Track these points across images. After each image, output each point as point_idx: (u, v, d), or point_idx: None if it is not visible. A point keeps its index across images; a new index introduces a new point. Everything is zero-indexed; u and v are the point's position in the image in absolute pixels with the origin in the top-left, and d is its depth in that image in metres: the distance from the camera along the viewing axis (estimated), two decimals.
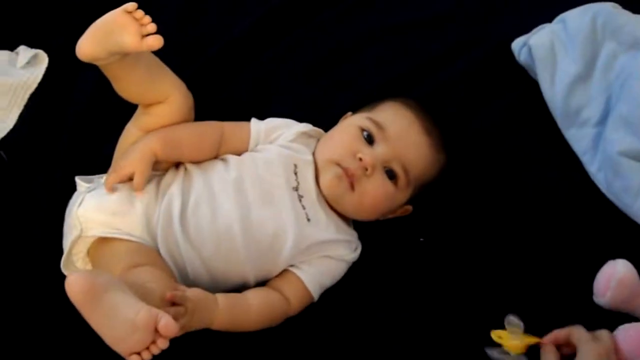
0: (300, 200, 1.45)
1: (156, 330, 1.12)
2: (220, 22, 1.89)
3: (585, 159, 1.64)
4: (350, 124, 1.50)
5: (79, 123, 1.70)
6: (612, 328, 1.36)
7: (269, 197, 1.43)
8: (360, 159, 1.44)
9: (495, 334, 1.37)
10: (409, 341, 1.42)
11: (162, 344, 1.14)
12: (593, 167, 1.62)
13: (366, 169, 1.44)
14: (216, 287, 1.40)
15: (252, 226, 1.41)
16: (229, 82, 1.78)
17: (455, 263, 1.52)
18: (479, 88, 1.77)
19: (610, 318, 1.40)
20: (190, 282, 1.40)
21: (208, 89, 1.75)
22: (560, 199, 1.62)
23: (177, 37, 1.79)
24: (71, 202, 1.45)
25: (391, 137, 1.47)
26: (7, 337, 1.38)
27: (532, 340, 1.35)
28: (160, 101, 1.46)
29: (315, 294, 1.46)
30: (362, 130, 1.47)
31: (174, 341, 1.17)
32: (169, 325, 1.12)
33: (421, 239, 1.55)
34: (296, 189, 1.45)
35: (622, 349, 1.32)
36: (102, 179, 1.46)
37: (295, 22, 1.88)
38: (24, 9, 1.85)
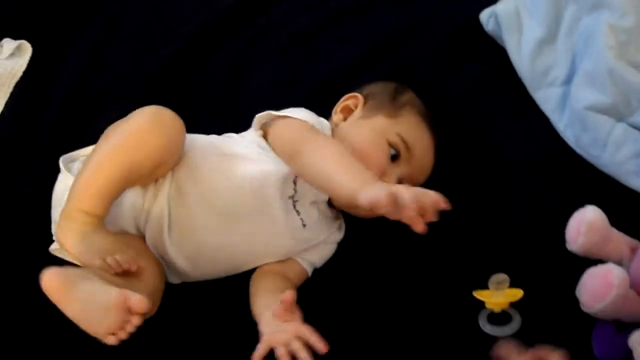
0: (294, 207, 1.42)
1: (129, 310, 1.17)
2: (196, 4, 1.90)
3: (554, 117, 1.64)
4: (380, 136, 1.46)
5: (63, 109, 1.70)
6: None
7: (262, 209, 1.40)
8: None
9: (478, 294, 1.35)
10: (400, 319, 1.42)
11: (136, 321, 1.18)
12: (561, 124, 1.62)
13: None
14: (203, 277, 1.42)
15: (242, 240, 1.41)
16: (206, 62, 1.80)
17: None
18: (450, 58, 1.77)
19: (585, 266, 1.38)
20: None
21: (186, 69, 1.78)
22: (532, 157, 1.62)
23: (155, 19, 1.84)
24: (58, 187, 1.42)
25: (414, 159, 1.47)
26: None
27: (516, 293, 1.34)
28: None
29: (310, 273, 1.47)
30: (391, 146, 1.45)
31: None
32: (139, 302, 1.17)
33: None
34: (292, 197, 1.42)
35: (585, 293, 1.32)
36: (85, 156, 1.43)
37: (269, 4, 1.89)
38: (6, 2, 1.87)
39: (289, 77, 1.75)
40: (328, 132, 1.47)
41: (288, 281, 1.43)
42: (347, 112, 1.52)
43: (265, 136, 1.44)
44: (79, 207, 1.28)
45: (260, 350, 1.23)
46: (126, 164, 1.29)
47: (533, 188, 1.57)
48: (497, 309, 1.35)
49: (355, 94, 1.52)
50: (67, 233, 1.29)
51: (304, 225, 1.43)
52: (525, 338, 1.33)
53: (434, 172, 1.54)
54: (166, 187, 1.37)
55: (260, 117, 1.46)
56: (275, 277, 1.42)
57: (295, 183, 1.41)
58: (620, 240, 1.41)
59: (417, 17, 1.85)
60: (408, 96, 1.53)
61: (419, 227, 1.14)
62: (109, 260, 1.25)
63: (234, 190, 1.38)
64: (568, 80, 1.64)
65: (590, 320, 1.35)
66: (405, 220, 1.15)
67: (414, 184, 1.45)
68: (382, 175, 1.42)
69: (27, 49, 1.78)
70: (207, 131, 1.62)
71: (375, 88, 1.55)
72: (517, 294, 1.34)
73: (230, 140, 1.47)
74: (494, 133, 1.65)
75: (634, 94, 1.57)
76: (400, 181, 1.45)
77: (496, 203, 1.56)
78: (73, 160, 1.45)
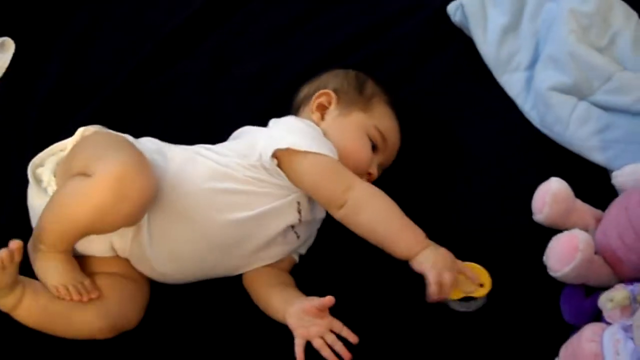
0: (293, 229, 1.44)
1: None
2: (176, 1, 1.95)
3: (519, 100, 1.69)
4: (362, 133, 1.51)
5: (46, 105, 1.74)
6: None
7: (259, 241, 1.42)
8: (369, 174, 1.50)
9: None
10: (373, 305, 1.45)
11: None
12: (527, 106, 1.67)
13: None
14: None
15: (234, 261, 1.44)
16: (189, 54, 1.84)
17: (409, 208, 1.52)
18: (419, 49, 1.82)
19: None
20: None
21: (167, 63, 1.82)
22: (500, 139, 1.67)
23: (137, 14, 1.89)
24: (31, 200, 1.43)
25: (388, 147, 1.53)
26: None
27: (484, 280, 1.37)
28: None
29: (297, 259, 1.51)
30: (370, 139, 1.50)
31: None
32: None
33: None
34: (294, 225, 1.44)
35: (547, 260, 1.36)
36: (53, 155, 1.43)
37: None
38: None
39: (269, 67, 1.80)
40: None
41: (283, 272, 1.47)
42: (322, 109, 1.54)
43: (279, 164, 1.41)
44: (43, 242, 1.31)
45: (299, 345, 1.30)
46: (87, 229, 1.31)
47: (500, 168, 1.61)
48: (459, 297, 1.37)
49: (327, 90, 1.54)
50: (34, 261, 1.33)
51: (298, 237, 1.47)
52: (497, 307, 1.38)
53: (403, 158, 1.59)
54: (144, 231, 1.36)
55: (274, 149, 1.41)
56: (270, 270, 1.45)
57: (300, 212, 1.43)
58: (584, 211, 1.45)
59: (387, 10, 1.91)
60: (371, 85, 1.57)
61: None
62: (61, 289, 1.32)
63: (229, 232, 1.39)
64: (532, 65, 1.70)
65: (559, 287, 1.38)
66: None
67: (386, 166, 1.54)
68: (368, 168, 1.48)
69: (10, 45, 1.81)
70: (189, 125, 1.69)
71: (338, 80, 1.58)
72: (485, 282, 1.37)
73: (228, 165, 1.42)
74: (461, 118, 1.70)
75: (595, 75, 1.62)
76: (378, 168, 1.52)
77: (464, 183, 1.60)
78: (42, 165, 1.43)
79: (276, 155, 1.39)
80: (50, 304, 1.32)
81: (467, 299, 1.36)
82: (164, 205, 1.35)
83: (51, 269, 1.32)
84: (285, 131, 1.46)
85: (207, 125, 1.69)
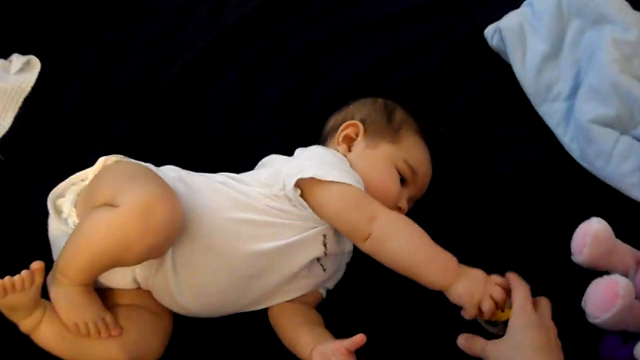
0: (319, 261, 1.40)
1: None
2: (207, 20, 1.91)
3: (558, 131, 1.63)
4: (390, 166, 1.45)
5: (71, 123, 1.70)
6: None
7: (282, 274, 1.38)
8: (399, 208, 1.44)
9: None
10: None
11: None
12: (566, 138, 1.61)
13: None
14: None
15: (257, 294, 1.39)
16: (214, 79, 1.79)
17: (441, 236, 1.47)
18: (455, 73, 1.76)
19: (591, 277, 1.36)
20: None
21: (195, 83, 1.77)
22: (537, 171, 1.61)
23: (163, 35, 1.85)
24: (51, 231, 1.39)
25: (418, 180, 1.47)
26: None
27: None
28: None
29: (325, 295, 1.47)
30: (399, 172, 1.44)
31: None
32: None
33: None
34: (319, 258, 1.39)
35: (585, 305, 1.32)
36: (74, 185, 1.40)
37: (277, 19, 1.90)
38: (15, 18, 1.86)
39: (294, 96, 1.74)
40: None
41: (311, 308, 1.43)
42: (349, 141, 1.49)
43: (302, 194, 1.37)
44: (64, 274, 1.27)
45: None
46: (111, 262, 1.26)
47: (538, 202, 1.56)
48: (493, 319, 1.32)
49: (355, 121, 1.49)
50: (54, 295, 1.29)
51: (324, 270, 1.42)
52: None
53: (438, 188, 1.54)
54: (168, 262, 1.32)
55: (297, 179, 1.36)
56: (297, 306, 1.41)
57: (325, 245, 1.38)
58: (625, 252, 1.40)
59: (418, 33, 1.84)
60: (400, 114, 1.52)
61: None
62: (81, 326, 1.29)
63: (252, 263, 1.34)
64: (572, 95, 1.64)
65: (598, 333, 1.34)
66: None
67: (417, 198, 1.49)
68: (397, 202, 1.43)
69: (36, 64, 1.78)
70: (213, 150, 1.64)
71: (365, 110, 1.52)
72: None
73: (249, 195, 1.38)
74: (497, 148, 1.64)
75: (638, 107, 1.56)
76: (408, 201, 1.46)
77: (499, 218, 1.55)
78: (62, 195, 1.40)
79: (299, 185, 1.35)
80: (68, 332, 1.29)
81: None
82: (187, 235, 1.31)
83: (71, 303, 1.28)
84: (310, 160, 1.42)
85: (231, 153, 1.64)
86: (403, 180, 1.46)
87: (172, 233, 1.25)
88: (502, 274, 1.33)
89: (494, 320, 1.31)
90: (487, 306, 1.26)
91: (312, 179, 1.35)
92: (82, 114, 1.71)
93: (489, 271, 1.33)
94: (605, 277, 1.31)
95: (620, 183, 1.52)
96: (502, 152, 1.63)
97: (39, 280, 1.25)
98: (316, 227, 1.37)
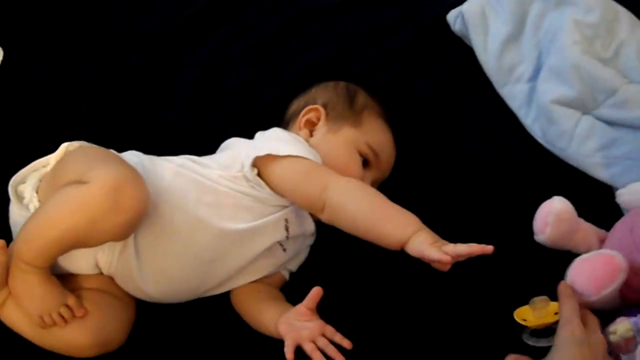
0: (281, 245, 1.39)
1: None
2: (173, 5, 1.89)
3: (521, 113, 1.61)
4: (352, 149, 1.43)
5: (34, 110, 1.69)
6: (557, 267, 1.30)
7: (245, 256, 1.36)
8: None
9: (519, 316, 1.28)
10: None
11: None
12: (529, 120, 1.60)
13: None
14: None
15: (220, 276, 1.37)
16: (179, 64, 1.78)
17: None
18: (418, 58, 1.75)
19: (554, 258, 1.36)
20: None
21: (159, 69, 1.75)
22: (500, 153, 1.60)
23: (127, 20, 1.83)
24: (12, 217, 1.36)
25: (381, 162, 1.46)
26: None
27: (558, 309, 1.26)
28: None
29: (287, 277, 1.45)
30: (362, 155, 1.43)
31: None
32: None
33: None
34: (281, 242, 1.38)
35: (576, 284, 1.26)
36: (35, 171, 1.37)
37: (243, 5, 1.89)
38: None
39: (258, 81, 1.72)
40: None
41: (273, 288, 1.41)
42: (310, 125, 1.47)
43: (259, 173, 1.36)
44: (19, 257, 1.23)
45: (289, 346, 1.25)
46: (75, 240, 1.22)
47: (501, 183, 1.54)
48: (541, 328, 1.28)
49: (316, 106, 1.47)
50: (14, 288, 1.26)
51: (285, 251, 1.40)
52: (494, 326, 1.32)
53: (400, 172, 1.52)
54: (131, 246, 1.30)
55: (253, 157, 1.35)
56: (259, 286, 1.40)
57: (287, 229, 1.37)
58: (588, 231, 1.38)
59: (383, 19, 1.83)
60: (362, 97, 1.50)
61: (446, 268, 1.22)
62: (46, 318, 1.25)
63: (215, 246, 1.33)
64: (534, 77, 1.63)
65: None
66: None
67: (381, 181, 1.47)
68: None
69: None
70: (177, 135, 1.62)
71: (327, 94, 1.51)
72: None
73: (210, 177, 1.36)
74: (460, 130, 1.63)
75: (599, 88, 1.55)
76: (372, 184, 1.44)
77: (462, 199, 1.53)
78: (23, 182, 1.37)
79: (256, 164, 1.34)
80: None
81: (542, 333, 1.27)
82: (150, 220, 1.29)
83: (31, 294, 1.25)
84: (266, 140, 1.41)
85: (195, 139, 1.62)
86: (366, 163, 1.44)
87: (139, 214, 1.23)
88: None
89: (537, 327, 1.27)
90: (450, 249, 1.20)
91: (268, 155, 1.34)
92: (46, 101, 1.70)
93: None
94: (595, 253, 1.27)
95: (582, 163, 1.51)
96: (465, 135, 1.62)
97: (2, 258, 1.23)
98: (277, 211, 1.36)
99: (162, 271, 1.32)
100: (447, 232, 1.37)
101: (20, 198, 1.34)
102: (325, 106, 1.48)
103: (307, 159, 1.35)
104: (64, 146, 1.37)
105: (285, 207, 1.37)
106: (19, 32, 1.81)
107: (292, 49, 1.78)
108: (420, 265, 1.30)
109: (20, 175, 1.37)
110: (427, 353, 1.34)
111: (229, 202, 1.34)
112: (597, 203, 1.45)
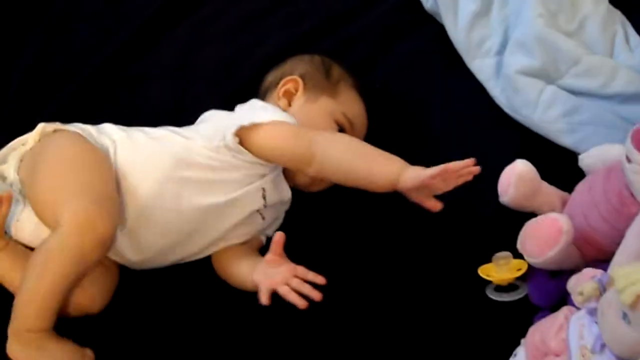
0: (259, 212, 1.43)
1: None
2: None
3: (489, 85, 1.66)
4: (330, 119, 1.50)
5: (22, 89, 1.75)
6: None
7: (224, 226, 1.42)
8: None
9: (483, 272, 1.34)
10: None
11: None
12: (496, 91, 1.65)
13: None
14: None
15: (200, 245, 1.43)
16: (160, 42, 1.83)
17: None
18: (390, 35, 1.81)
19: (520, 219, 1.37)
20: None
21: (142, 49, 1.81)
22: (469, 122, 1.65)
23: (109, 4, 1.89)
24: None
25: (355, 131, 1.52)
26: None
27: (521, 265, 1.32)
28: None
29: (264, 241, 1.50)
30: (338, 124, 1.49)
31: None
32: None
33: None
34: (259, 210, 1.43)
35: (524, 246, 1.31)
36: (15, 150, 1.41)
37: None
38: None
39: (236, 57, 1.78)
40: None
41: (251, 248, 1.46)
42: (289, 95, 1.53)
43: (241, 142, 1.39)
44: (25, 328, 1.23)
45: (264, 292, 1.29)
46: (69, 284, 1.26)
47: (466, 150, 1.51)
48: (504, 284, 1.34)
49: (294, 77, 1.53)
50: (19, 354, 1.23)
51: (263, 219, 1.46)
52: (464, 288, 1.37)
53: (369, 141, 1.53)
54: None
55: (236, 127, 1.39)
56: (238, 247, 1.44)
57: (264, 198, 1.42)
58: (551, 193, 1.42)
59: None
60: (337, 70, 1.56)
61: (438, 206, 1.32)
62: None
63: (195, 218, 1.38)
64: (501, 51, 1.68)
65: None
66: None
67: None
68: None
69: None
70: (157, 110, 1.67)
71: (304, 66, 1.57)
72: (522, 267, 1.32)
73: (191, 148, 1.40)
74: (429, 102, 1.68)
75: (562, 58, 1.61)
76: None
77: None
78: (5, 162, 1.41)
79: (239, 134, 1.37)
80: (19, 272, 1.29)
81: (506, 289, 1.33)
82: (130, 197, 1.35)
83: (48, 355, 1.24)
84: (248, 110, 1.46)
85: (176, 111, 1.68)
86: (342, 131, 1.50)
87: (116, 227, 1.29)
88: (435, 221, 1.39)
89: (500, 282, 1.33)
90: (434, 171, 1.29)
91: (251, 125, 1.38)
92: (32, 80, 1.75)
93: (423, 220, 1.40)
94: (543, 217, 1.31)
95: (546, 130, 1.56)
96: (434, 107, 1.68)
97: (4, 209, 1.28)
98: (255, 182, 1.41)
99: (144, 241, 1.37)
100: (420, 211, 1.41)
101: (3, 178, 1.39)
102: (302, 77, 1.54)
103: (286, 122, 1.41)
104: (40, 127, 1.41)
105: (264, 175, 1.42)
106: (7, 14, 1.88)
107: (267, 28, 1.84)
108: (392, 225, 1.36)
109: (1, 155, 1.41)
110: (397, 304, 1.40)
111: (208, 176, 1.39)
112: (562, 168, 1.49)
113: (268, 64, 1.66)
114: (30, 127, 1.47)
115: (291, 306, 1.28)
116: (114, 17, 1.87)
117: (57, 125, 1.42)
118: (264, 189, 1.42)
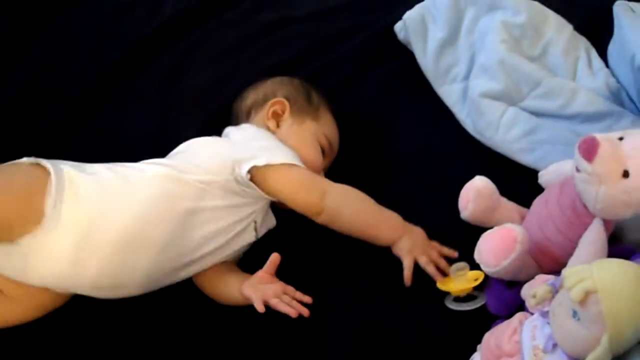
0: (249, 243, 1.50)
1: None
2: (142, 15, 2.04)
3: (455, 109, 1.72)
4: (315, 141, 1.57)
5: (13, 105, 1.85)
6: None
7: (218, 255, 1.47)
8: None
9: (441, 284, 1.39)
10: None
11: None
12: (462, 115, 1.71)
13: None
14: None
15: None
16: (147, 66, 1.93)
17: None
18: (364, 63, 1.88)
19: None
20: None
21: (129, 69, 1.90)
22: (436, 145, 1.71)
23: (106, 26, 2.00)
24: None
25: (332, 151, 1.61)
26: None
27: (478, 275, 1.36)
28: None
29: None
30: (320, 145, 1.57)
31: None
32: None
33: None
34: (250, 243, 1.50)
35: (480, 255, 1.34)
36: None
37: (210, 15, 2.05)
38: None
39: (224, 78, 1.86)
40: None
41: (232, 263, 1.51)
42: (277, 117, 1.59)
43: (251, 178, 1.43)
44: None
45: (258, 301, 1.36)
46: None
47: (432, 171, 1.65)
48: (462, 295, 1.38)
49: (281, 99, 1.60)
50: None
51: (249, 245, 1.52)
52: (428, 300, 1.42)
53: (339, 163, 1.65)
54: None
55: (251, 166, 1.43)
56: (221, 265, 1.48)
57: (256, 230, 1.49)
58: (509, 208, 1.46)
59: (335, 29, 1.97)
60: (315, 94, 1.64)
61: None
62: None
63: (184, 256, 1.43)
64: (467, 76, 1.74)
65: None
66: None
67: (327, 169, 1.59)
68: (319, 173, 1.53)
69: None
70: (145, 125, 1.76)
71: (286, 89, 1.64)
72: (479, 277, 1.36)
73: (193, 184, 1.43)
74: (396, 125, 1.74)
75: (524, 81, 1.67)
76: (325, 169, 1.58)
77: (397, 185, 1.64)
78: None
79: (251, 171, 1.42)
80: None
81: (464, 299, 1.38)
82: (117, 235, 1.36)
83: None
84: (252, 141, 1.52)
85: (157, 136, 1.76)
86: (322, 153, 1.57)
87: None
88: None
89: (458, 293, 1.38)
90: (422, 261, 1.39)
91: (266, 166, 1.43)
92: (23, 98, 1.86)
93: None
94: (498, 227, 1.34)
95: (508, 149, 1.61)
96: (401, 130, 1.74)
97: None
98: (248, 218, 1.47)
99: (120, 276, 1.40)
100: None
101: None
102: (287, 99, 1.61)
103: (300, 166, 1.46)
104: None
105: (255, 207, 1.48)
106: (7, 31, 1.99)
107: (251, 55, 1.93)
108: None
109: None
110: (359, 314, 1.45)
111: (207, 231, 1.43)
112: (523, 186, 1.53)
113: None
114: (19, 145, 1.61)
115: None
116: (107, 41, 1.98)
117: (32, 160, 1.41)
118: (255, 222, 1.48)
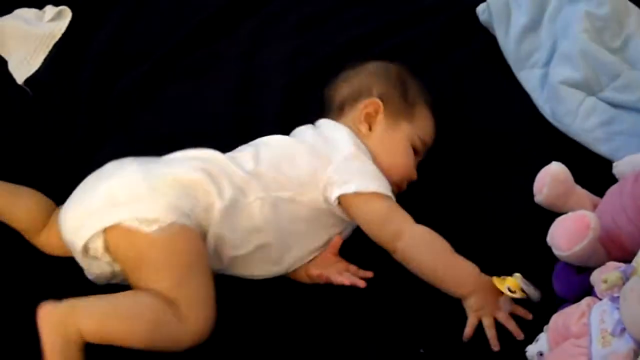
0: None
1: None
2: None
3: (534, 95, 1.75)
4: (408, 145, 1.55)
5: (97, 67, 1.86)
6: None
7: None
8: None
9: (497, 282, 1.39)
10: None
11: None
12: (541, 101, 1.73)
13: None
14: None
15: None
16: (226, 34, 1.96)
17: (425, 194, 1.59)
18: (443, 43, 1.90)
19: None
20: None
21: (208, 40, 1.94)
22: (515, 129, 1.73)
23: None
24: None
25: (426, 149, 1.58)
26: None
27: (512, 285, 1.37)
28: None
29: None
30: (413, 147, 1.54)
31: None
32: None
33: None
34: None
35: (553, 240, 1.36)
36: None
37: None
38: None
39: (296, 55, 1.89)
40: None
41: None
42: (370, 118, 1.55)
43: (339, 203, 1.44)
44: (77, 322, 1.24)
45: (323, 279, 1.41)
46: (134, 341, 1.29)
47: (509, 154, 1.67)
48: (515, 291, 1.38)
49: (374, 99, 1.55)
50: (49, 329, 1.23)
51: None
52: None
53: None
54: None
55: (340, 194, 1.43)
56: None
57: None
58: (583, 195, 1.48)
59: (419, 6, 2.00)
60: (413, 86, 1.60)
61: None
62: None
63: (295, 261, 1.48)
64: (548, 63, 1.77)
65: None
66: None
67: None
68: (411, 176, 1.54)
69: (67, 14, 1.94)
70: (224, 97, 1.79)
71: (382, 84, 1.59)
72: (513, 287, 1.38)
73: (298, 202, 1.46)
74: (476, 107, 1.77)
75: (604, 72, 1.69)
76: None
77: (473, 167, 1.66)
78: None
79: (339, 197, 1.43)
80: None
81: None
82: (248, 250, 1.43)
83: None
84: (351, 170, 1.48)
85: (236, 104, 1.80)
86: (415, 152, 1.57)
87: None
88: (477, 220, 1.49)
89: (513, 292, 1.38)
90: (487, 323, 1.37)
91: (355, 193, 1.43)
92: (107, 59, 1.88)
93: (466, 219, 1.50)
94: (572, 213, 1.36)
95: (585, 138, 1.63)
96: (480, 112, 1.76)
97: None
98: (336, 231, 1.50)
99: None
100: (456, 201, 1.55)
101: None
102: (381, 98, 1.55)
103: (388, 197, 1.44)
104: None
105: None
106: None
107: (328, 30, 1.95)
108: None
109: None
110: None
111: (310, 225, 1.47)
112: (598, 175, 1.55)
113: (325, 62, 1.80)
114: (102, 101, 1.68)
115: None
116: (186, 7, 2.02)
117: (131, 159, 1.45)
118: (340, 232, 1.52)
